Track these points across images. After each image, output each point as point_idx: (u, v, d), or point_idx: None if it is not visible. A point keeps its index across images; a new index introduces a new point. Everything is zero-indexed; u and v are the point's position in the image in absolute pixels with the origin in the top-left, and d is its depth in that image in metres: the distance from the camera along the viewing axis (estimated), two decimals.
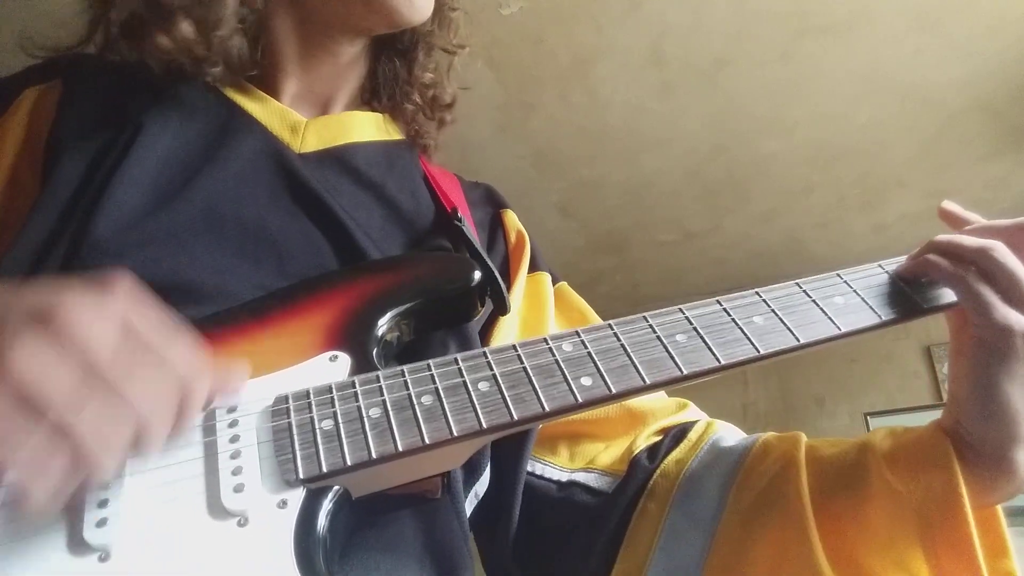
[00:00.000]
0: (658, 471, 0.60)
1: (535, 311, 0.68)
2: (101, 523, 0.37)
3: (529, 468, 0.63)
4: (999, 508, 0.50)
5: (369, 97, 0.73)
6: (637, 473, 0.61)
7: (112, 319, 0.35)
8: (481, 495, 0.61)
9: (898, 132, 2.48)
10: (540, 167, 2.65)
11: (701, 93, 2.30)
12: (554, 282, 0.73)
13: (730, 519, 0.55)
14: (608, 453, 0.65)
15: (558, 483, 0.63)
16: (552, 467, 0.65)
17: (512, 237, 0.73)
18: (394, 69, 0.74)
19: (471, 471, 0.58)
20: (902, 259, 0.57)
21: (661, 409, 0.68)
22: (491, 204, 0.77)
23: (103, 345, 0.34)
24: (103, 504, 0.38)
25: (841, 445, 0.56)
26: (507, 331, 0.64)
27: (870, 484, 0.52)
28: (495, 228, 0.74)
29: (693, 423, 0.66)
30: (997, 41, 2.10)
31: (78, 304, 0.34)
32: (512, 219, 0.75)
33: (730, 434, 0.64)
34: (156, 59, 0.60)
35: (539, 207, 2.85)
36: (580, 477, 0.63)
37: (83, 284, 0.36)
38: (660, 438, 0.65)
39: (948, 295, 0.54)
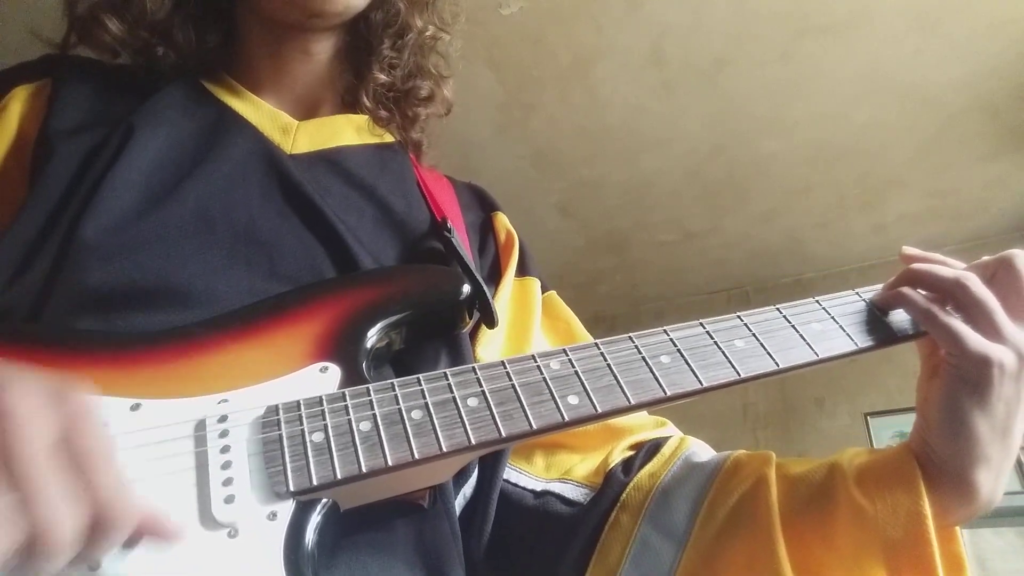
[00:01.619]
0: (631, 484, 0.61)
1: (521, 317, 0.69)
2: None
3: (504, 475, 0.63)
4: (959, 531, 0.51)
5: (352, 100, 0.73)
6: (612, 485, 0.61)
7: (54, 420, 0.33)
8: (469, 496, 0.61)
9: (898, 132, 2.48)
10: (540, 167, 2.64)
11: (701, 93, 2.30)
12: (544, 290, 0.73)
13: (700, 533, 0.56)
14: (584, 465, 0.66)
15: (533, 492, 0.64)
16: (527, 476, 0.65)
17: (502, 237, 0.73)
18: (366, 67, 0.72)
19: (460, 473, 0.59)
20: (879, 287, 0.58)
21: (639, 425, 0.68)
22: (482, 207, 0.77)
23: (33, 438, 0.32)
24: None
25: (811, 464, 0.57)
26: (493, 335, 0.64)
27: (837, 503, 0.53)
28: (486, 231, 0.74)
29: (667, 438, 0.66)
30: (997, 41, 2.09)
31: (26, 393, 0.32)
32: (502, 221, 0.75)
33: (702, 450, 0.65)
34: (106, 53, 0.65)
35: (539, 207, 2.84)
36: (556, 487, 0.64)
37: (39, 378, 0.34)
38: (633, 452, 0.66)
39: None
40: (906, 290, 0.55)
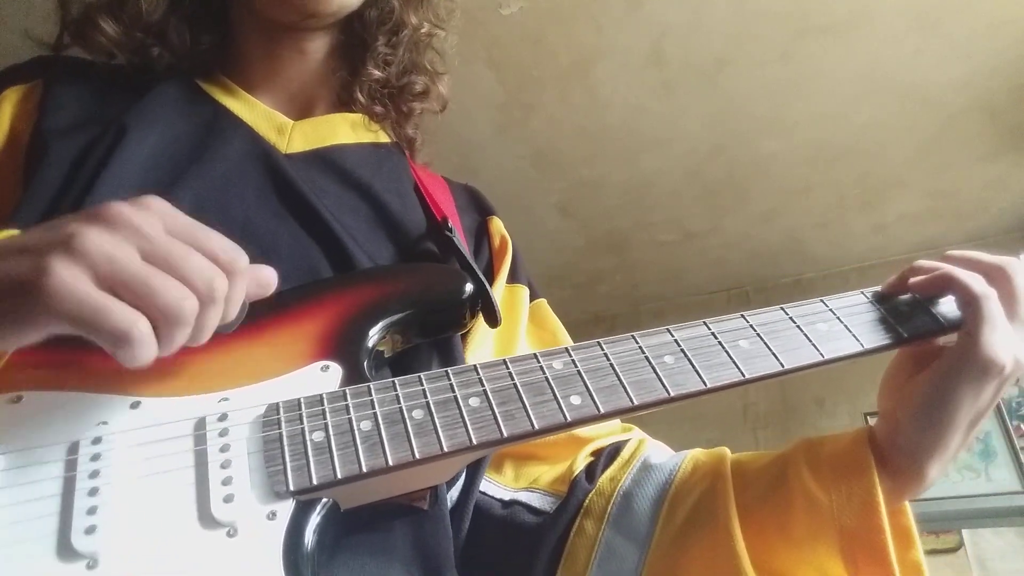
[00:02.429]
0: (594, 490, 0.62)
1: (507, 323, 0.68)
2: (90, 530, 0.37)
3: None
4: (907, 504, 0.53)
5: (347, 97, 0.72)
6: (576, 493, 0.62)
7: (154, 216, 0.39)
8: (455, 500, 0.61)
9: (898, 132, 2.47)
10: (540, 167, 2.64)
11: (701, 93, 2.30)
12: (533, 297, 0.73)
13: (662, 535, 0.56)
14: (551, 473, 0.66)
15: (501, 501, 0.64)
16: (497, 485, 0.66)
17: (496, 242, 0.73)
18: (361, 64, 0.72)
19: (451, 478, 0.59)
20: (883, 287, 0.58)
21: (606, 434, 0.69)
22: (479, 211, 0.77)
23: (155, 231, 0.38)
24: (92, 511, 0.38)
25: (767, 457, 0.58)
26: (481, 341, 0.64)
27: (792, 495, 0.53)
28: (481, 235, 0.74)
29: (626, 441, 0.67)
30: (997, 41, 2.09)
31: (123, 206, 0.39)
32: (497, 226, 0.75)
33: (660, 452, 0.66)
34: (101, 55, 0.64)
35: (539, 207, 2.84)
36: (523, 496, 0.64)
37: (121, 202, 0.39)
38: (595, 458, 0.66)
39: (929, 325, 0.55)
40: (958, 271, 0.54)
